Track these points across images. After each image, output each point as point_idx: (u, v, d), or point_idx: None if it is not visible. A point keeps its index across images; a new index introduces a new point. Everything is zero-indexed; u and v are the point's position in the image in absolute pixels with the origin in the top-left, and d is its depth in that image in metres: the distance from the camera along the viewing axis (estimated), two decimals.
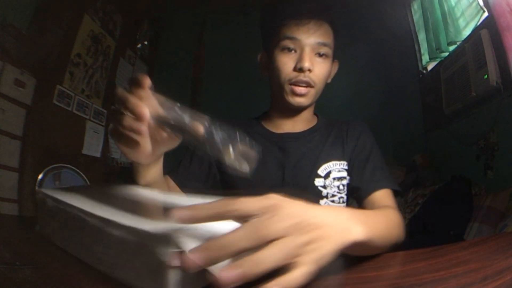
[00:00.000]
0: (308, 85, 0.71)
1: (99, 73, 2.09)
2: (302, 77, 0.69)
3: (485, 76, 1.45)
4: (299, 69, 0.69)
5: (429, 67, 2.16)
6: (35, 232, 0.46)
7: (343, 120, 0.82)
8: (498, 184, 1.41)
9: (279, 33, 0.72)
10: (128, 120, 0.39)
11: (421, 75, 2.25)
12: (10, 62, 1.46)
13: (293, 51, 0.71)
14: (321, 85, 0.73)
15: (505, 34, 1.31)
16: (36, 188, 1.48)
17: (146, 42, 2.56)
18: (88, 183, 1.76)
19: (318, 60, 0.71)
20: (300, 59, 0.69)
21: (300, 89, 0.70)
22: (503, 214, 1.27)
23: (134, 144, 0.42)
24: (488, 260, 0.41)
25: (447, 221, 1.40)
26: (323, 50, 0.71)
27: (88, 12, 1.97)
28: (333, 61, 0.76)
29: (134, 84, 0.40)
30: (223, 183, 0.74)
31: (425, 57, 2.14)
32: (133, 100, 0.39)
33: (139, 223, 0.32)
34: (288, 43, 0.70)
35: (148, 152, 0.44)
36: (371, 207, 0.67)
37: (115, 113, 0.40)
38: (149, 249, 0.29)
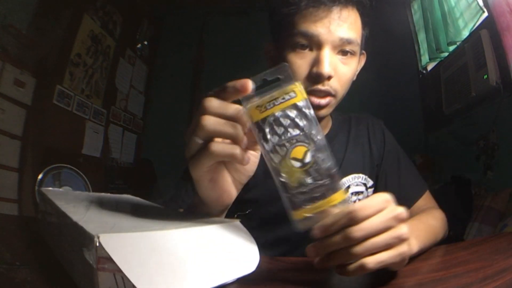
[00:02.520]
0: (328, 94, 0.55)
1: (99, 73, 2.09)
2: (320, 86, 0.53)
3: (485, 76, 1.44)
4: (315, 76, 0.53)
5: (429, 67, 2.16)
6: (35, 232, 0.46)
7: (358, 116, 0.73)
8: (498, 184, 1.41)
9: (290, 26, 0.55)
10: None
11: (421, 75, 2.25)
12: (10, 62, 1.46)
13: (307, 49, 0.54)
14: (345, 91, 0.58)
15: (505, 34, 1.31)
16: (36, 188, 1.48)
17: (146, 42, 2.56)
18: (88, 183, 1.76)
19: (342, 60, 0.55)
20: (317, 62, 0.53)
21: (318, 100, 0.54)
22: (503, 214, 1.26)
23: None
24: (488, 260, 0.41)
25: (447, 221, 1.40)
26: (349, 47, 0.55)
27: (88, 12, 1.96)
28: (360, 54, 0.61)
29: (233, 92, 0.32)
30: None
31: (425, 57, 2.14)
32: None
33: (87, 223, 0.26)
34: (301, 40, 0.54)
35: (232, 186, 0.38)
36: (415, 214, 0.61)
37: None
38: (81, 249, 0.24)
